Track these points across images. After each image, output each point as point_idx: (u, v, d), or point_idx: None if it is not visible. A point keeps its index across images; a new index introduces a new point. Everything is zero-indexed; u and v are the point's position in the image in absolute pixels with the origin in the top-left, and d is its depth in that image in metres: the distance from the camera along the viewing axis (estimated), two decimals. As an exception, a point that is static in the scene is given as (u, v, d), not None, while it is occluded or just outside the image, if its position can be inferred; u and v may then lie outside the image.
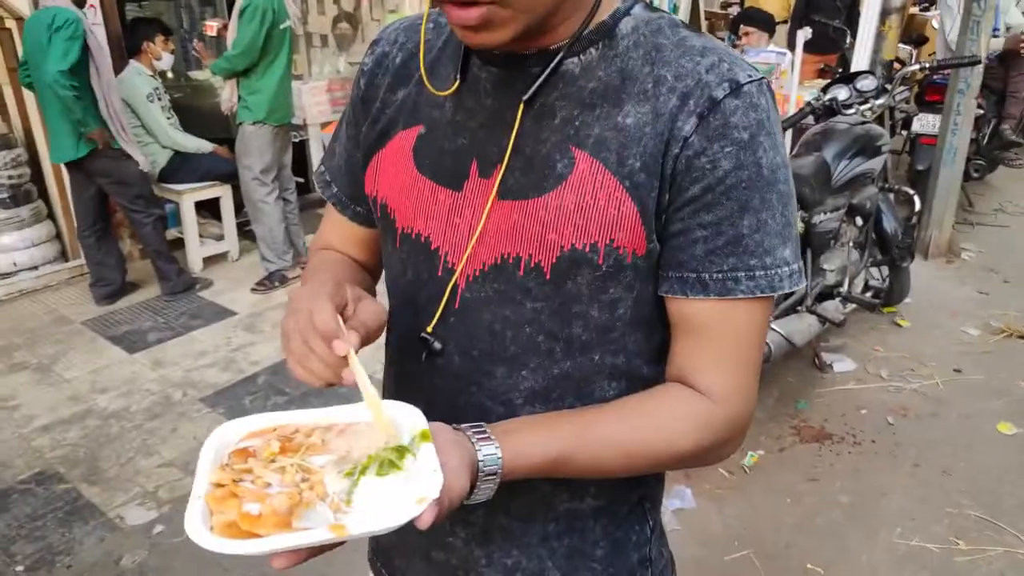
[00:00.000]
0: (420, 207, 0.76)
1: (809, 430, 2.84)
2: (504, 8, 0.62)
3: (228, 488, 0.59)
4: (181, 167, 4.16)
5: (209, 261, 4.44)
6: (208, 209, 4.49)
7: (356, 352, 0.66)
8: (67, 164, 3.70)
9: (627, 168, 0.67)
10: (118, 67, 4.00)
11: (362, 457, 0.63)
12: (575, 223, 0.68)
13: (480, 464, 0.65)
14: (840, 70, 5.04)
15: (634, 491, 0.84)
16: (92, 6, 3.93)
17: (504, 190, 0.71)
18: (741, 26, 4.71)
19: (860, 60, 4.76)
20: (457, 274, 0.74)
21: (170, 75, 5.04)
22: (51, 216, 4.26)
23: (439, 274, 0.76)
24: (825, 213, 2.94)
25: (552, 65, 0.69)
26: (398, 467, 0.62)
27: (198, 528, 0.56)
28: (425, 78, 0.75)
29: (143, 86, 4.05)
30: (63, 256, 4.29)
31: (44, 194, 4.24)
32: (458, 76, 0.73)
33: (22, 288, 4.05)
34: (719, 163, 0.66)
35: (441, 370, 0.78)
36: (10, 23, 3.92)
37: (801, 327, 2.80)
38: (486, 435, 0.66)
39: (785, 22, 6.14)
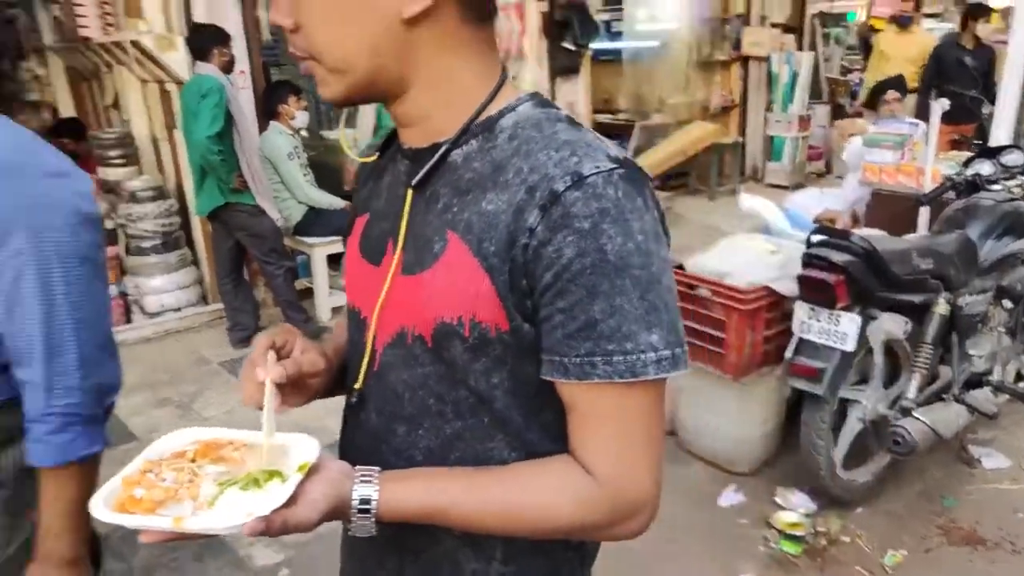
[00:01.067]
0: (355, 282, 0.89)
1: (958, 531, 2.62)
2: (320, 66, 0.76)
3: (136, 477, 0.74)
4: (315, 221, 4.40)
5: (337, 311, 4.64)
6: (337, 262, 4.71)
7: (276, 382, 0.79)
8: (209, 216, 4.00)
9: (485, 251, 0.73)
10: (264, 127, 4.32)
11: (244, 473, 0.74)
12: (444, 298, 0.75)
13: (352, 502, 0.73)
14: (978, 141, 4.82)
15: (545, 559, 0.85)
16: (242, 72, 4.28)
17: (404, 266, 0.80)
18: (889, 91, 4.62)
19: (1001, 132, 4.53)
20: (376, 340, 0.84)
21: (304, 133, 5.38)
22: (195, 262, 4.60)
23: (365, 340, 0.85)
24: (972, 295, 2.79)
25: (436, 157, 0.77)
26: (260, 487, 0.72)
27: (97, 498, 0.71)
28: (348, 150, 0.97)
29: (284, 145, 4.33)
30: (204, 300, 4.60)
31: (190, 242, 4.59)
32: (379, 152, 0.89)
33: (167, 328, 4.37)
34: (563, 251, 0.69)
35: (362, 424, 0.88)
36: (170, 86, 4.33)
37: (948, 417, 2.62)
38: (369, 478, 0.75)
39: (915, 91, 5.96)
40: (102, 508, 0.71)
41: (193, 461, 0.76)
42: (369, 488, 0.74)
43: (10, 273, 1.04)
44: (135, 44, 4.14)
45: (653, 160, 6.62)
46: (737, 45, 7.67)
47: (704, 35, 7.69)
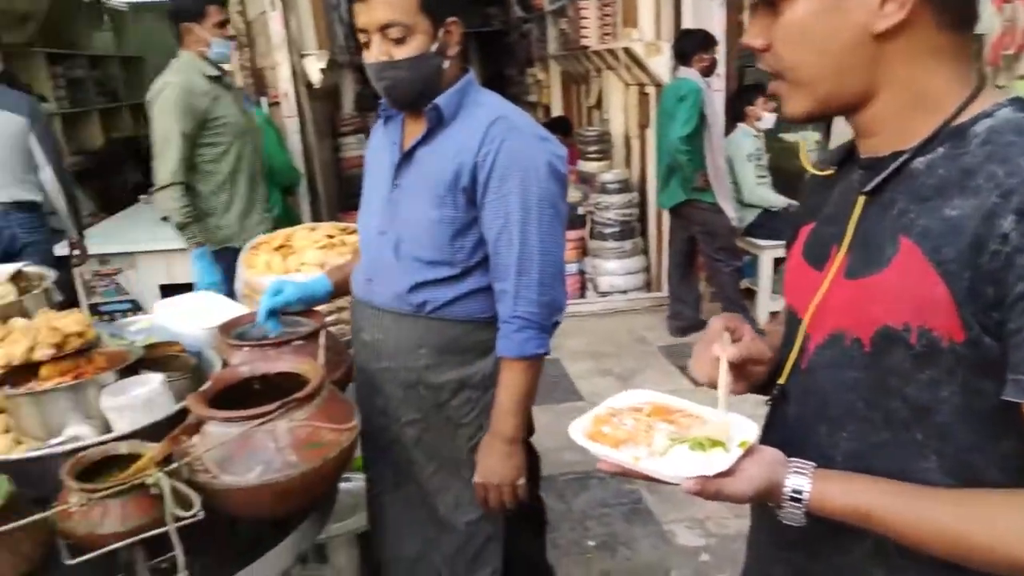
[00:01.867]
0: (795, 284, 0.92)
1: None
2: (785, 83, 0.80)
3: (605, 418, 0.88)
4: (765, 224, 4.38)
5: (775, 315, 4.55)
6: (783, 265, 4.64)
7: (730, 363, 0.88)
8: (670, 210, 4.26)
9: (942, 257, 0.70)
10: (730, 128, 4.43)
11: (689, 436, 0.83)
12: (891, 304, 0.75)
13: (785, 490, 0.77)
14: None
15: None
16: (719, 75, 4.43)
17: (847, 270, 0.81)
18: None
19: None
20: (808, 340, 0.86)
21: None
22: (644, 251, 4.97)
23: (796, 338, 0.88)
24: None
25: (897, 164, 0.77)
26: (704, 450, 0.80)
27: (576, 424, 0.87)
28: (807, 164, 0.93)
29: (747, 147, 4.39)
30: (648, 287, 4.97)
31: (643, 233, 4.97)
32: (836, 167, 0.90)
33: (614, 307, 4.83)
34: None
35: (783, 420, 0.92)
36: (649, 89, 4.70)
37: None
38: (804, 471, 0.77)
39: None
40: (579, 434, 0.86)
41: (648, 416, 0.88)
42: (802, 479, 0.77)
43: (503, 206, 1.38)
44: (626, 51, 4.61)
45: None
46: None
47: None
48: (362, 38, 1.38)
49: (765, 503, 0.79)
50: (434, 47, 1.38)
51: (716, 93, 4.36)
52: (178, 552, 1.08)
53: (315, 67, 4.49)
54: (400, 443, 1.56)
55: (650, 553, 2.61)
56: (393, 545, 1.63)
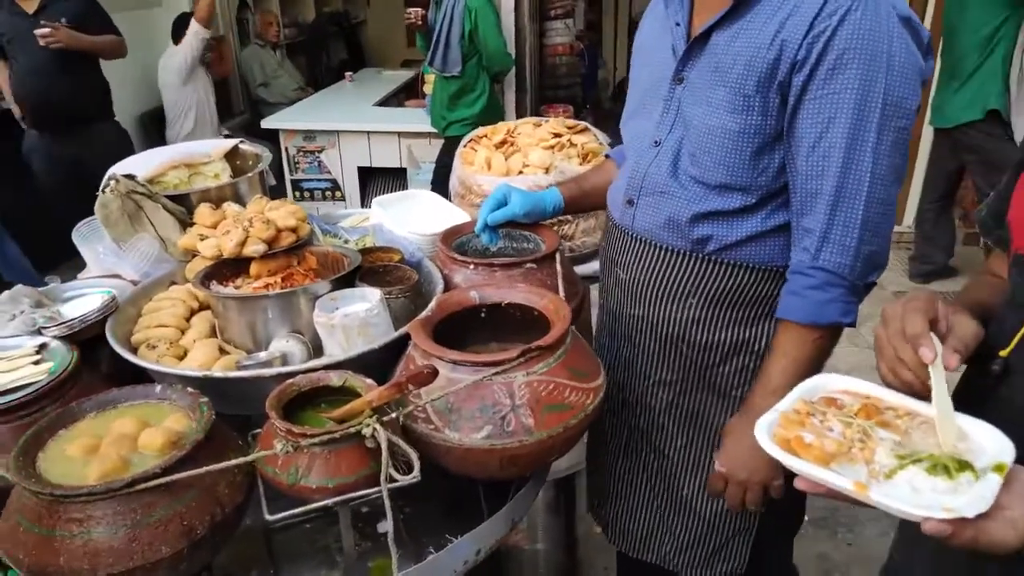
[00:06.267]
0: None
1: None
2: None
3: (801, 417, 0.75)
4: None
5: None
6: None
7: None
8: (937, 131, 3.52)
9: None
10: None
11: (921, 450, 0.69)
12: None
13: None
14: None
15: None
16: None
17: None
18: None
19: None
20: None
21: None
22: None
23: None
24: None
25: None
26: (950, 476, 0.65)
27: (762, 427, 0.73)
28: None
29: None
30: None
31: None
32: None
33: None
34: None
35: (1006, 400, 0.78)
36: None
37: None
38: None
39: None
40: (767, 439, 0.71)
41: (858, 417, 0.74)
42: None
43: (829, 105, 0.98)
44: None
45: None
46: None
47: None
48: None
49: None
50: None
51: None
52: (389, 520, 0.87)
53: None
54: (645, 404, 1.26)
55: (875, 541, 2.23)
56: (620, 518, 1.38)
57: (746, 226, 1.09)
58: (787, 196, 1.07)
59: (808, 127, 1.00)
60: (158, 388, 0.97)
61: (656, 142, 1.15)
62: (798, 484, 0.69)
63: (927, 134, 3.81)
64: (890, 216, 1.04)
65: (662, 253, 1.16)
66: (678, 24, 1.12)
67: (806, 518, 2.33)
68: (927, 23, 3.78)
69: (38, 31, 3.10)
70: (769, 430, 0.73)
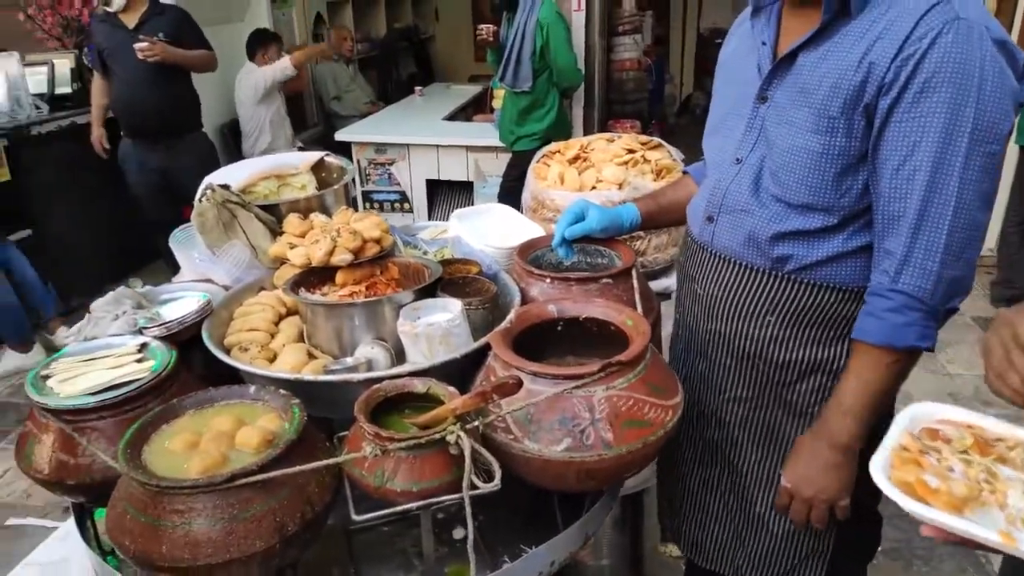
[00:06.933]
0: None
1: None
2: None
3: (913, 455, 0.72)
4: None
5: None
6: None
7: None
8: (1022, 149, 3.38)
9: None
10: None
11: None
12: None
13: None
14: None
15: None
16: None
17: None
18: None
19: None
20: None
21: None
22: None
23: None
24: None
25: None
26: None
27: (877, 468, 0.70)
28: None
29: None
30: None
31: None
32: None
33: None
34: None
35: None
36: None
37: None
38: None
39: None
40: (887, 483, 0.69)
41: (965, 452, 0.72)
42: None
43: (917, 128, 0.97)
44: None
45: None
46: None
47: None
48: None
49: None
50: None
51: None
52: (470, 527, 0.89)
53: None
54: (720, 419, 1.26)
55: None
56: (692, 529, 1.36)
57: (827, 246, 1.08)
58: (870, 217, 1.06)
59: (893, 149, 0.99)
60: (252, 389, 1.01)
61: (738, 160, 1.14)
62: (925, 532, 0.66)
63: (1011, 153, 3.65)
64: (976, 242, 1.01)
65: (741, 270, 1.16)
66: (764, 43, 1.12)
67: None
68: (1019, 41, 3.65)
69: (137, 45, 3.27)
70: (885, 471, 0.70)
